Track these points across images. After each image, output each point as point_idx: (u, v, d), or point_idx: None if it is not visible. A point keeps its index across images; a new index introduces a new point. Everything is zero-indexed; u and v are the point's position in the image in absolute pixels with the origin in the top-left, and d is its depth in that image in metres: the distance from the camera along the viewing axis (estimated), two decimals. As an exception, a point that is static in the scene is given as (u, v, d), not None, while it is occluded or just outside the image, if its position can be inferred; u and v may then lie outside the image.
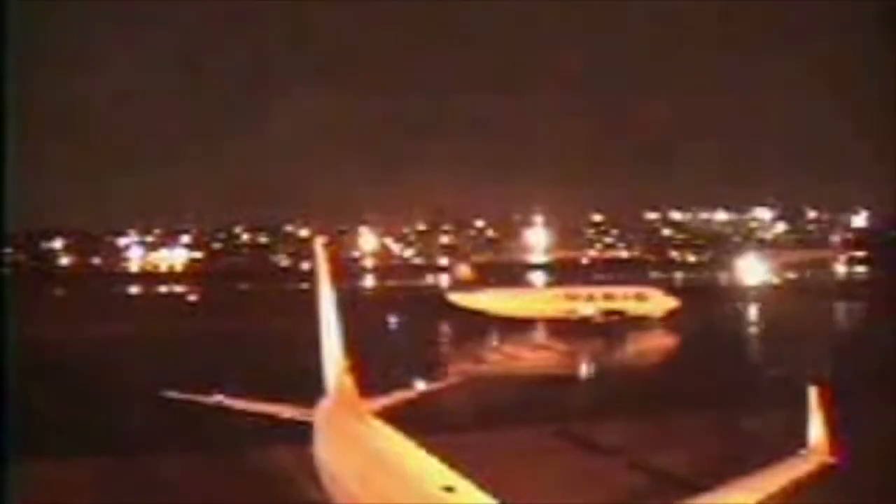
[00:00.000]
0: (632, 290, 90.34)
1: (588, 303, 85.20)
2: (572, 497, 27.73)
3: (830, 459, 21.29)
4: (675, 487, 25.69)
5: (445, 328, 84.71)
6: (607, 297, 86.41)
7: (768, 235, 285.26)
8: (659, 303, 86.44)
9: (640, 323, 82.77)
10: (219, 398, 28.24)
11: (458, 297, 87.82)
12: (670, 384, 50.69)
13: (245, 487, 30.90)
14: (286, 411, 27.11)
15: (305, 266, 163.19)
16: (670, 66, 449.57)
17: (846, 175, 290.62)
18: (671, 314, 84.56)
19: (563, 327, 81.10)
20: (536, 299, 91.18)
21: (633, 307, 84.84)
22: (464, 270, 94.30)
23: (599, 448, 36.00)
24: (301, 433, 25.32)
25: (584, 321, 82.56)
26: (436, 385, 30.69)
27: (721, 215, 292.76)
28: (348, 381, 26.04)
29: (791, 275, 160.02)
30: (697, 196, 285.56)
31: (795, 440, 21.99)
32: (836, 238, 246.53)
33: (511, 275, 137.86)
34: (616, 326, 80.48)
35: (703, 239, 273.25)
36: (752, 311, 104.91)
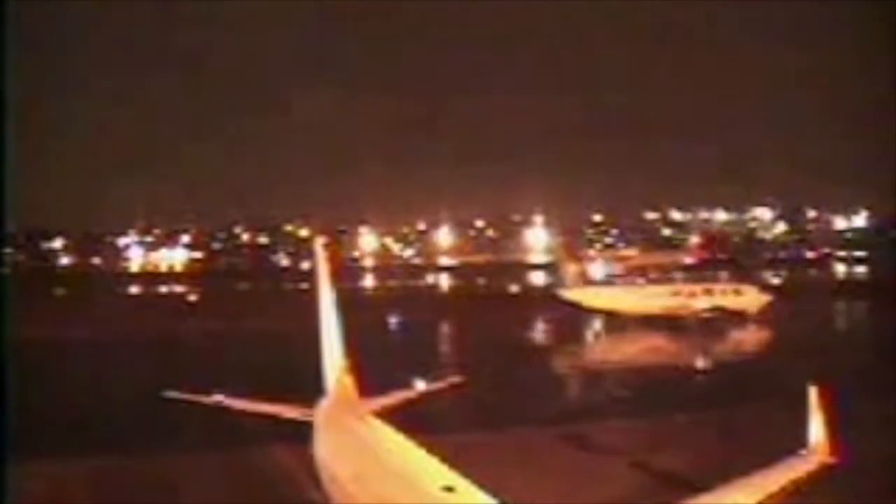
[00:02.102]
0: (729, 286, 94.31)
1: (691, 298, 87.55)
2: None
3: (831, 459, 21.26)
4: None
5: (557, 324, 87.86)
6: (707, 292, 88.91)
7: (768, 235, 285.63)
8: (754, 298, 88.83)
9: (738, 318, 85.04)
10: (219, 398, 28.21)
11: (567, 294, 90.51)
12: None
13: (245, 487, 30.96)
14: (286, 411, 27.08)
15: (305, 266, 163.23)
16: (670, 66, 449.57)
17: (846, 175, 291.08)
18: (765, 309, 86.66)
19: (670, 322, 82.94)
20: (642, 295, 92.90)
21: (732, 302, 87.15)
22: (572, 268, 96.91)
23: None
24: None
25: (689, 316, 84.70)
26: (436, 385, 30.58)
27: (721, 215, 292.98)
28: (348, 381, 26.04)
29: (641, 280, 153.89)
30: (697, 196, 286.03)
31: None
32: (695, 239, 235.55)
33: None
34: (717, 321, 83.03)
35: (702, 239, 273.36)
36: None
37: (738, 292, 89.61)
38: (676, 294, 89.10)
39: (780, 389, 37.59)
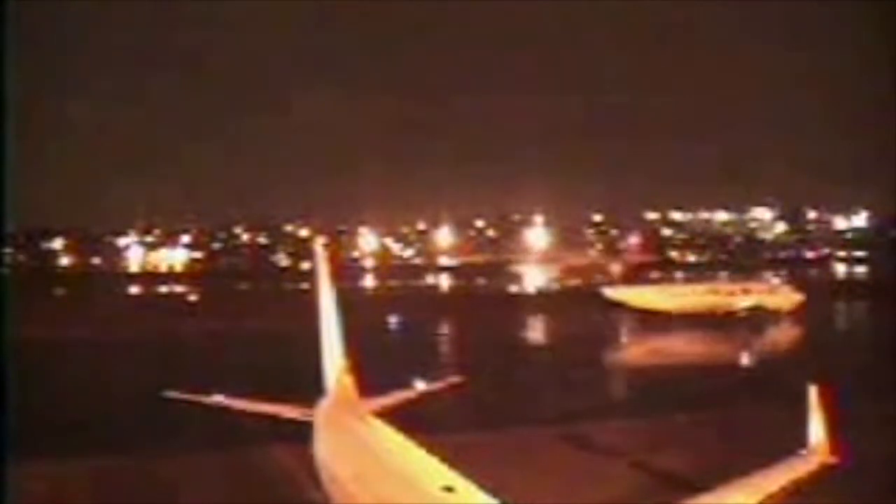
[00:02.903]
0: (764, 285, 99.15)
1: (730, 297, 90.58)
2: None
3: (831, 459, 21.27)
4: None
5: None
6: (745, 292, 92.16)
7: (768, 235, 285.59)
8: (788, 297, 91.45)
9: (773, 315, 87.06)
10: (219, 398, 28.21)
11: (612, 293, 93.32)
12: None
13: (245, 487, 30.95)
14: (286, 411, 27.07)
15: (305, 266, 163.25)
16: (670, 67, 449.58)
17: (846, 175, 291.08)
18: (798, 308, 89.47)
19: (711, 320, 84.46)
20: (685, 294, 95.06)
21: (769, 301, 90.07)
22: (617, 269, 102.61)
23: None
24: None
25: (728, 314, 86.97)
26: (436, 385, 30.57)
27: (721, 215, 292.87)
28: (348, 381, 26.04)
29: (575, 281, 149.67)
30: (697, 196, 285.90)
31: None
32: (633, 240, 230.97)
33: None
34: (754, 319, 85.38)
35: (703, 239, 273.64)
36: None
37: (773, 291, 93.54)
38: (715, 293, 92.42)
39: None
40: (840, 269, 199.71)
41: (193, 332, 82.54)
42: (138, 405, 41.38)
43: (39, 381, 49.68)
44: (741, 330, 79.36)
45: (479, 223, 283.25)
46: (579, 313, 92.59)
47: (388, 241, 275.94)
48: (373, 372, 27.32)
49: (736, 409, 42.72)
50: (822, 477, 20.56)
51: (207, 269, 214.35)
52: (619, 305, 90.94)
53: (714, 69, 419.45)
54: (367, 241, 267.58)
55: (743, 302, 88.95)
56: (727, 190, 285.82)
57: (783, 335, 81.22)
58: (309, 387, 26.97)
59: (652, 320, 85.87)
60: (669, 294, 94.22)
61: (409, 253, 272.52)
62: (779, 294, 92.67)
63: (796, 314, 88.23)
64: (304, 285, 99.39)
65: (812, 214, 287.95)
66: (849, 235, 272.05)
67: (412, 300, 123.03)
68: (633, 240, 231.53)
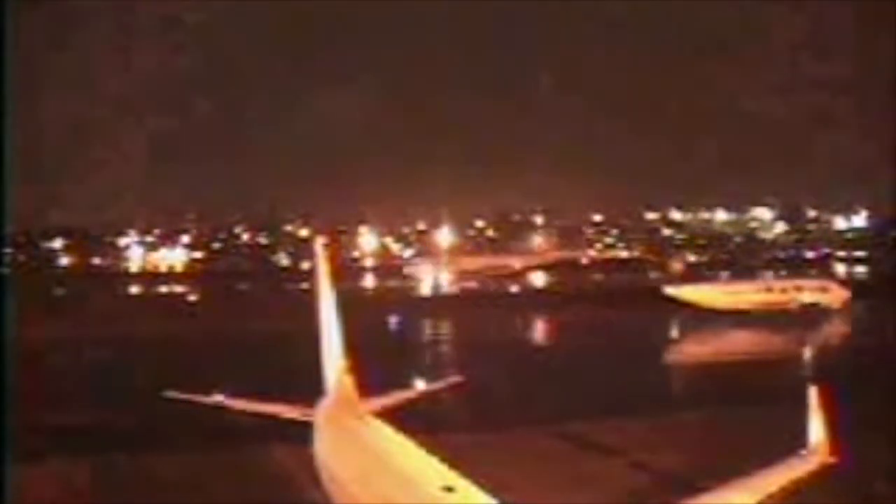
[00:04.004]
0: (815, 283, 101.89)
1: (783, 294, 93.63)
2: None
3: (830, 459, 21.28)
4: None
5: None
6: (798, 289, 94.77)
7: (768, 235, 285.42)
8: (837, 294, 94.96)
9: (824, 312, 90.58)
10: (219, 398, 28.24)
11: (672, 291, 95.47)
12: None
13: (245, 487, 30.97)
14: (286, 411, 27.09)
15: (305, 266, 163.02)
16: (670, 67, 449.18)
17: (846, 175, 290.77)
18: (846, 304, 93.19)
19: (767, 316, 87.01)
20: (741, 291, 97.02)
21: (821, 298, 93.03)
22: (676, 266, 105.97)
23: None
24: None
25: (783, 311, 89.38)
26: (435, 385, 30.62)
27: (721, 215, 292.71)
28: (348, 381, 26.03)
29: (473, 283, 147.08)
30: (697, 196, 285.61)
31: None
32: (542, 240, 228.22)
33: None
34: (807, 315, 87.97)
35: (703, 239, 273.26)
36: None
37: (824, 289, 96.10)
38: (769, 291, 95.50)
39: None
40: (840, 268, 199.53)
41: (193, 331, 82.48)
42: (138, 404, 41.37)
43: (39, 380, 49.59)
44: (811, 324, 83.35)
45: (479, 223, 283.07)
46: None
47: (388, 241, 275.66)
48: (374, 372, 27.35)
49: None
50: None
51: (207, 269, 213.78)
52: (673, 301, 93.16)
53: (715, 69, 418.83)
54: (367, 241, 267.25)
55: (803, 299, 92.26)
56: (727, 190, 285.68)
57: (849, 328, 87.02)
58: (309, 387, 26.99)
59: (715, 317, 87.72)
60: (726, 291, 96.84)
61: (409, 253, 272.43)
62: (830, 292, 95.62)
63: (846, 310, 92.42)
64: (305, 285, 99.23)
65: (812, 214, 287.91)
66: (849, 235, 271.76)
67: (413, 299, 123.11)
68: (539, 239, 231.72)
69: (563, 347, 76.74)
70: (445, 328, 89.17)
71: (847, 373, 51.09)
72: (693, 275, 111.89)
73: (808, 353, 70.05)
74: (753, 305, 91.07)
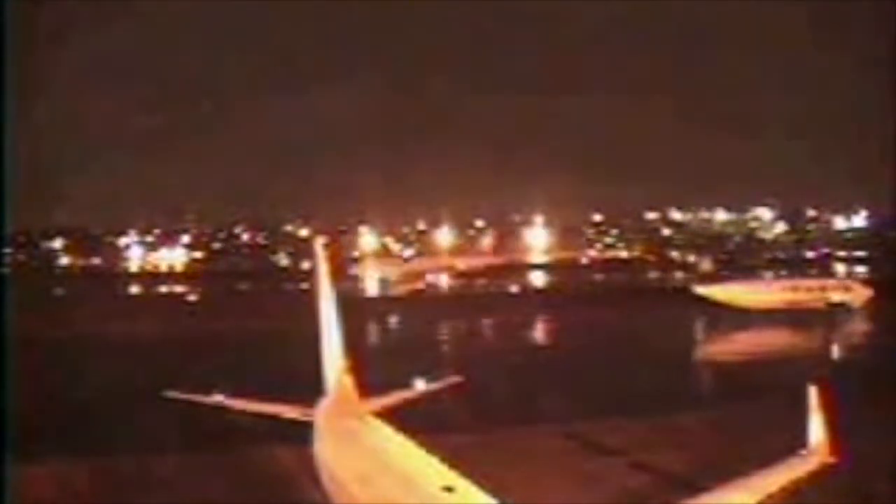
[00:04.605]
0: (838, 282, 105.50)
1: (809, 294, 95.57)
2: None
3: (830, 459, 21.27)
4: None
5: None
6: (822, 289, 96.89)
7: (768, 235, 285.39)
8: (860, 293, 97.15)
9: (850, 310, 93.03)
10: (219, 398, 28.21)
11: (702, 290, 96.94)
12: None
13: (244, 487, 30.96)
14: (286, 411, 27.08)
15: (305, 266, 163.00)
16: (670, 67, 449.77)
17: (846, 175, 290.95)
18: (868, 303, 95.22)
19: (793, 315, 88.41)
20: (769, 291, 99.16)
21: (845, 297, 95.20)
22: (707, 265, 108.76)
23: None
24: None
25: (808, 310, 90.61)
26: (435, 385, 30.58)
27: (721, 215, 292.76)
28: (348, 381, 26.01)
29: (420, 285, 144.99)
30: (698, 196, 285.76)
31: None
32: (487, 241, 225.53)
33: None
34: (832, 313, 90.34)
35: (703, 239, 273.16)
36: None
37: (847, 289, 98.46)
38: (795, 290, 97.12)
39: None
40: (840, 268, 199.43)
41: (193, 331, 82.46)
42: (138, 404, 41.31)
43: (39, 380, 49.58)
44: (835, 323, 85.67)
45: (479, 223, 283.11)
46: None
47: (388, 241, 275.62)
48: (376, 372, 27.30)
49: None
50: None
51: (207, 269, 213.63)
52: (703, 300, 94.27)
53: (714, 69, 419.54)
54: (367, 241, 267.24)
55: (832, 297, 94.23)
56: (727, 190, 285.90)
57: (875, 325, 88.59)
58: (309, 387, 26.98)
59: (745, 315, 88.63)
60: (753, 291, 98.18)
61: (409, 253, 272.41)
62: (853, 291, 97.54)
63: (869, 308, 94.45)
64: (304, 285, 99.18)
65: (812, 214, 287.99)
66: (849, 235, 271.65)
67: (415, 299, 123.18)
68: (487, 240, 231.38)
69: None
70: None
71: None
72: (717, 275, 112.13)
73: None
74: (783, 304, 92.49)
